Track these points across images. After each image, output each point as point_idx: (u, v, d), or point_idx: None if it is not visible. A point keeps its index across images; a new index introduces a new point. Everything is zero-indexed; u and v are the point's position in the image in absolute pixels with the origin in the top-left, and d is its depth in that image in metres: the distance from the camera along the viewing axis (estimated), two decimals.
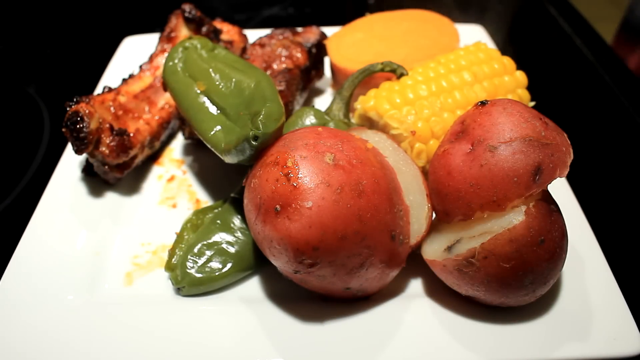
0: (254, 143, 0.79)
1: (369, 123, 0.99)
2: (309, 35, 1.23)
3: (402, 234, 0.78)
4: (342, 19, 1.35)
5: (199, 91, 0.91)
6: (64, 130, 0.94)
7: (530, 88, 1.02)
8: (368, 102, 0.96)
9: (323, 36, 1.26)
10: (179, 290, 0.84)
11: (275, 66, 1.11)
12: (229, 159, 0.85)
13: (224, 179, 1.04)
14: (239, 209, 0.90)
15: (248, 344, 0.76)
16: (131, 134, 1.00)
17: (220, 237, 0.88)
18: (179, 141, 1.15)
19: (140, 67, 1.15)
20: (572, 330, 0.75)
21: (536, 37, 1.65)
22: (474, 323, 0.77)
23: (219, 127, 0.86)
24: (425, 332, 0.76)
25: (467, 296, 0.78)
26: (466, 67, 0.99)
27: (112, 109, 1.02)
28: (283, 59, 1.13)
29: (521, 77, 1.01)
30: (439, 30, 1.22)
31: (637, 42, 1.83)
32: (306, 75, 1.17)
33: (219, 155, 0.86)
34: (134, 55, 1.34)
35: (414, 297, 0.82)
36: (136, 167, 1.04)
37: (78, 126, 0.93)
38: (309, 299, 0.81)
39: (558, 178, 0.73)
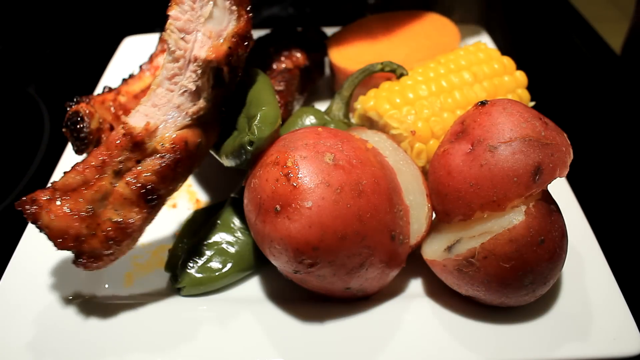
0: (249, 148, 0.80)
1: (369, 123, 0.99)
2: (309, 34, 1.23)
3: (402, 234, 0.78)
4: (342, 19, 1.35)
5: None
6: (64, 130, 0.94)
7: (530, 88, 1.02)
8: (368, 102, 0.96)
9: (323, 36, 1.26)
10: (179, 291, 0.84)
11: (275, 66, 1.11)
12: (228, 163, 0.85)
13: (224, 179, 1.04)
14: (239, 209, 0.90)
15: (248, 344, 0.76)
16: None
17: (220, 237, 0.88)
18: None
19: (140, 67, 1.15)
20: (572, 330, 0.75)
21: (536, 37, 1.65)
22: (474, 323, 0.77)
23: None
24: (425, 332, 0.76)
25: (467, 296, 0.78)
26: (466, 67, 0.99)
27: (112, 109, 1.02)
28: (283, 58, 1.13)
29: (521, 77, 1.01)
30: (439, 30, 1.22)
31: None
32: (306, 75, 1.16)
33: (219, 159, 0.87)
34: (134, 55, 1.34)
35: (414, 297, 0.82)
36: None
37: (78, 126, 0.93)
38: (309, 299, 0.81)
39: (558, 178, 0.73)
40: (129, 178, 0.74)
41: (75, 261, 0.75)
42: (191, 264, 0.84)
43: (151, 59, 1.16)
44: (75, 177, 0.74)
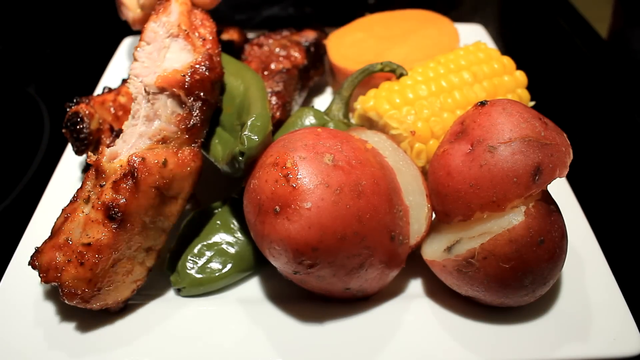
0: (240, 159, 0.80)
1: (369, 123, 0.99)
2: (308, 34, 1.23)
3: (402, 234, 0.78)
4: (342, 19, 1.35)
5: None
6: (64, 131, 0.94)
7: (530, 88, 1.02)
8: (368, 102, 0.96)
9: (322, 35, 1.26)
10: (179, 291, 0.84)
11: (273, 66, 1.11)
12: (224, 171, 0.86)
13: (224, 179, 1.04)
14: (239, 209, 0.90)
15: (248, 344, 0.76)
16: None
17: (220, 237, 0.88)
18: None
19: None
20: (572, 330, 0.75)
21: (536, 37, 1.65)
22: (474, 323, 0.77)
23: (217, 140, 0.88)
24: (425, 333, 0.76)
25: (467, 296, 0.78)
26: (466, 67, 0.98)
27: (112, 109, 1.02)
28: (281, 58, 1.12)
29: (521, 77, 1.01)
30: (439, 30, 1.22)
31: None
32: (305, 74, 1.16)
33: (217, 165, 0.88)
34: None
35: (414, 297, 0.82)
36: None
37: (78, 127, 0.93)
38: (309, 299, 0.81)
39: (558, 178, 0.73)
40: (94, 201, 0.77)
41: (60, 293, 0.76)
42: (191, 265, 0.85)
43: None
44: (61, 217, 0.80)
